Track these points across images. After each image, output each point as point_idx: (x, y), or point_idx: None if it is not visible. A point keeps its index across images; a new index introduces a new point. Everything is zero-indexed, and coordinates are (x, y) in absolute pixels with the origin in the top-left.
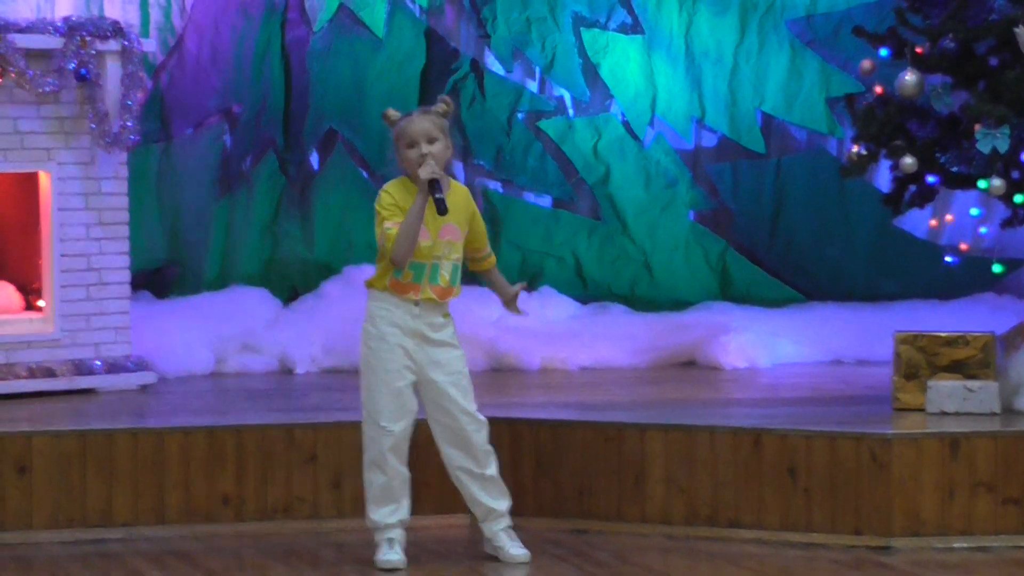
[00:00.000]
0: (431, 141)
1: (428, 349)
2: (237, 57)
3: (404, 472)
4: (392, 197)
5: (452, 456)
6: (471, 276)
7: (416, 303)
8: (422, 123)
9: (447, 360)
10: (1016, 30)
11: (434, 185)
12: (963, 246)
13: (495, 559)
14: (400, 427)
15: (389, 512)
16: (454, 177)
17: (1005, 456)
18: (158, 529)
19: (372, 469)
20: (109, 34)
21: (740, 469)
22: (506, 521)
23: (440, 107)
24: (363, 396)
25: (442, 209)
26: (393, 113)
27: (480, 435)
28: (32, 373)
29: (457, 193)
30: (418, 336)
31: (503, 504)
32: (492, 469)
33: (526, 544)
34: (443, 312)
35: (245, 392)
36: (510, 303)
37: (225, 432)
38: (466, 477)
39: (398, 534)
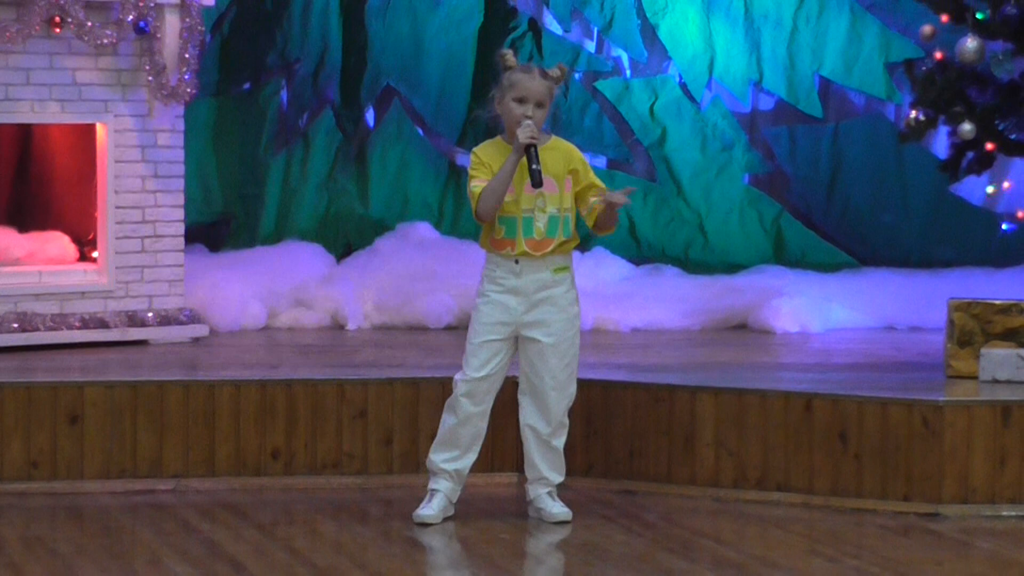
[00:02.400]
0: (540, 105)
1: (533, 307)
2: (296, 13)
3: (478, 424)
4: (480, 157)
5: (527, 412)
6: None
7: (516, 260)
8: (540, 85)
9: (550, 320)
10: None
11: (531, 152)
12: (1020, 214)
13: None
14: (480, 375)
15: (447, 458)
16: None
17: None
18: (208, 481)
19: (447, 410)
20: None
21: (790, 433)
22: (551, 487)
23: (556, 72)
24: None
25: (537, 181)
26: (512, 58)
27: (560, 405)
28: (85, 324)
29: (556, 149)
30: (522, 295)
31: (556, 477)
32: (559, 441)
33: (574, 504)
34: (552, 267)
35: (297, 347)
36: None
37: (276, 386)
38: (533, 437)
39: (445, 486)
